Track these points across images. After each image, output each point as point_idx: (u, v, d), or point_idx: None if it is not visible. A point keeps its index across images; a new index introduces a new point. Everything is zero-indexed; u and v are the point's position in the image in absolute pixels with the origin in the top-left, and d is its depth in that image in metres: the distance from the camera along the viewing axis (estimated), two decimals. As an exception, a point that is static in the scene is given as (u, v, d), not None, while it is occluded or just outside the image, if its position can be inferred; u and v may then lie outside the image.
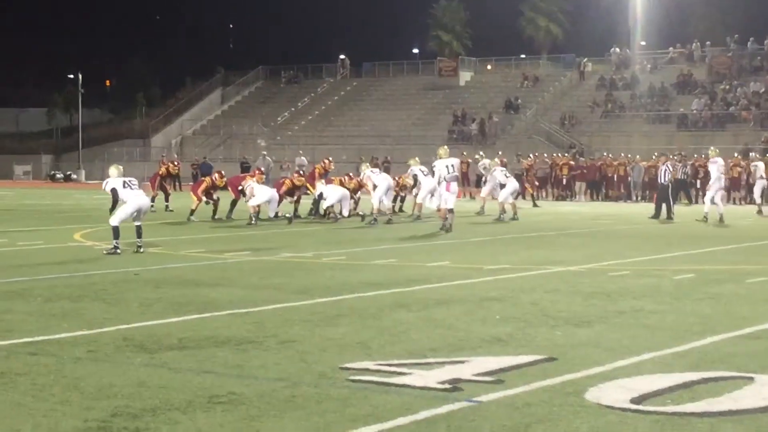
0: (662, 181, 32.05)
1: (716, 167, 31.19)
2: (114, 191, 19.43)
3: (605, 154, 52.97)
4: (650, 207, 34.91)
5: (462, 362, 8.98)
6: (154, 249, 20.22)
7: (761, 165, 38.30)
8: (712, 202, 30.66)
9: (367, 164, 32.24)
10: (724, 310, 12.33)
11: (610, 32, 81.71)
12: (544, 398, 7.72)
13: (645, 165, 47.53)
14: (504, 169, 33.12)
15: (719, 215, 29.97)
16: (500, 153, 50.50)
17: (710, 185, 31.24)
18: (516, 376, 8.48)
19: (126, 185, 19.58)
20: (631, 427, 6.94)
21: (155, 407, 7.43)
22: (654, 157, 48.35)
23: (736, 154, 49.40)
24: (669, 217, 31.21)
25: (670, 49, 74.57)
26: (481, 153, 51.98)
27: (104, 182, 20.05)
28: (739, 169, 45.36)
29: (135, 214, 19.58)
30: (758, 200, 37.03)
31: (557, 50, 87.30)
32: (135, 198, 19.60)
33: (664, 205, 31.72)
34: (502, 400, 7.67)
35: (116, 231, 19.37)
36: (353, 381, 8.29)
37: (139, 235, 19.64)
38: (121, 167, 20.58)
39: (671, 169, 32.57)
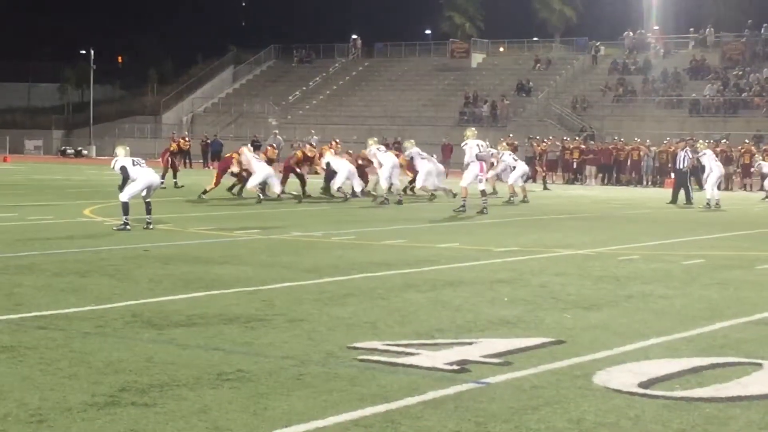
0: (681, 166, 32.18)
1: (707, 158, 31.48)
2: (124, 169, 19.46)
3: (615, 138, 52.91)
4: (661, 192, 34.90)
5: (470, 343, 8.97)
6: (163, 226, 20.24)
7: None
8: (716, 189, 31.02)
9: (374, 139, 32.02)
10: (733, 296, 12.30)
11: (623, 16, 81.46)
12: (551, 381, 7.71)
13: (656, 150, 47.48)
14: (512, 153, 33.00)
15: (716, 201, 30.12)
16: (511, 136, 50.40)
17: (708, 175, 31.27)
18: (524, 358, 8.48)
19: (135, 163, 19.65)
20: (639, 411, 6.93)
21: (163, 383, 7.43)
22: (665, 142, 48.32)
23: (746, 141, 49.31)
24: (689, 202, 31.30)
25: (691, 30, 74.22)
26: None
27: (113, 161, 20.07)
28: (749, 155, 45.30)
29: (145, 191, 19.60)
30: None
31: (570, 33, 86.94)
32: (145, 175, 19.63)
33: (682, 190, 31.78)
34: (510, 381, 7.66)
35: (126, 207, 19.39)
36: (361, 360, 8.29)
37: (149, 212, 19.66)
38: (127, 147, 20.58)
39: (690, 155, 32.59)
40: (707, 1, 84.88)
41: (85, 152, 75.21)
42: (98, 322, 9.78)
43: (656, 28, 76.15)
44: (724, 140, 48.37)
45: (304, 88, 79.97)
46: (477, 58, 78.73)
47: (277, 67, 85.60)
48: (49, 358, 8.18)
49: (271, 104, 76.56)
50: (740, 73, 65.24)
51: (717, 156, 34.10)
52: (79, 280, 12.54)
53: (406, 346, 8.82)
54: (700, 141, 36.04)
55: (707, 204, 30.16)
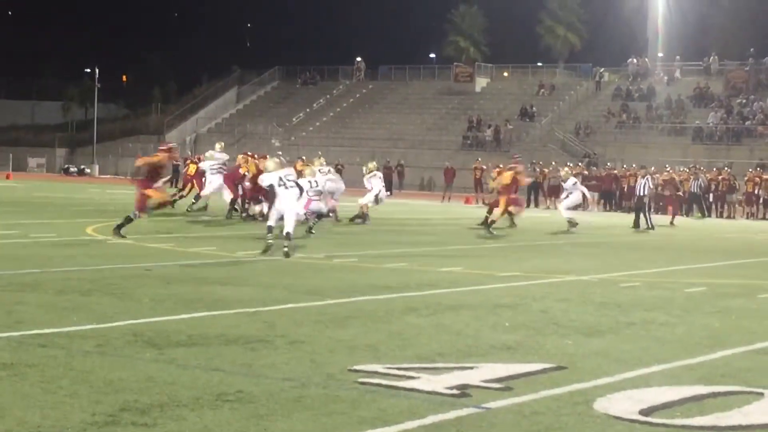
0: (640, 193, 33.69)
1: (569, 183, 32.61)
2: (271, 188, 19.06)
3: (610, 164, 52.89)
4: (661, 218, 35.08)
5: (471, 368, 8.97)
6: (165, 245, 20.24)
7: None
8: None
9: (374, 164, 31.94)
10: (734, 325, 12.29)
11: (628, 43, 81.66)
12: (552, 407, 7.70)
13: (658, 177, 47.53)
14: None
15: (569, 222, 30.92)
16: (518, 156, 50.26)
17: (566, 198, 32.50)
18: (524, 383, 8.46)
19: (281, 183, 18.97)
20: (639, 439, 6.92)
21: (163, 403, 7.42)
22: (666, 169, 48.33)
23: (750, 170, 49.34)
24: (649, 227, 32.46)
25: (708, 57, 74.36)
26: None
27: (264, 175, 19.63)
28: (752, 183, 45.37)
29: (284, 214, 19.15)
30: None
31: (574, 59, 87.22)
32: (284, 199, 19.03)
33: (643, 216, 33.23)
34: (510, 407, 7.65)
35: (269, 229, 19.19)
36: (362, 383, 8.28)
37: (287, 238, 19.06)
38: (278, 159, 20.10)
39: (651, 184, 34.21)
40: (712, 29, 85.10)
41: (88, 171, 75.31)
42: (99, 340, 9.78)
43: (660, 55, 76.29)
44: (727, 168, 48.39)
45: (308, 109, 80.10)
46: (481, 82, 78.88)
47: (281, 88, 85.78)
48: (49, 376, 8.17)
49: (274, 125, 76.66)
50: (744, 101, 65.30)
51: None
52: (80, 299, 12.54)
53: (406, 369, 8.81)
54: (566, 168, 36.75)
55: (570, 224, 30.70)
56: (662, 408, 7.74)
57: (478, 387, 8.23)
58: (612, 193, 49.38)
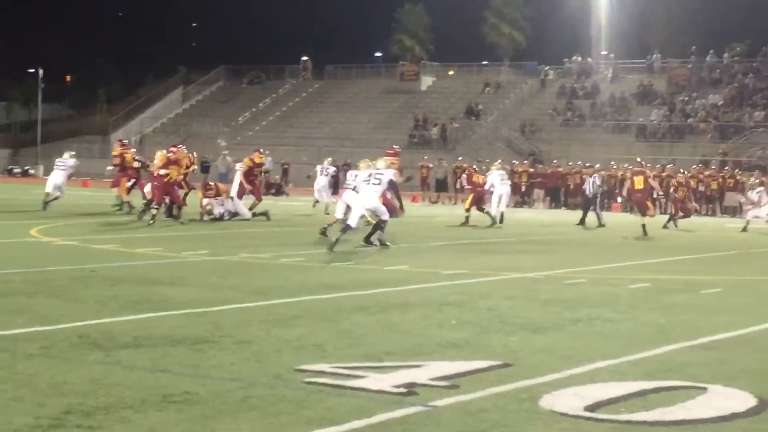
0: (588, 191, 34.27)
1: (492, 177, 33.44)
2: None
3: (557, 162, 53.17)
4: (609, 216, 35.35)
5: (418, 366, 8.98)
6: (111, 246, 20.11)
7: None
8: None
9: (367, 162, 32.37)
10: (678, 320, 12.40)
11: (572, 41, 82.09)
12: (498, 404, 7.73)
13: (605, 174, 47.81)
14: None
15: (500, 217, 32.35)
16: (460, 159, 50.71)
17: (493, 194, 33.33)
18: (471, 381, 8.49)
19: (368, 179, 21.72)
20: (585, 435, 6.97)
21: (108, 405, 7.37)
22: (612, 166, 48.66)
23: (694, 166, 49.83)
24: (600, 224, 32.80)
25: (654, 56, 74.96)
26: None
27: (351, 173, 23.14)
28: (697, 180, 45.79)
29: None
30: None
31: (519, 57, 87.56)
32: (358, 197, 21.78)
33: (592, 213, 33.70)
34: (457, 405, 7.68)
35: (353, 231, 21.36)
36: (308, 383, 8.27)
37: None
38: (369, 161, 22.79)
39: (598, 182, 34.52)
40: (654, 27, 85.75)
41: (32, 171, 74.58)
42: (44, 343, 9.69)
43: (604, 53, 76.80)
44: (670, 165, 48.79)
45: (254, 109, 79.87)
46: (427, 80, 79.00)
47: (226, 88, 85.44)
48: (-7, 380, 8.10)
49: (220, 125, 76.34)
50: (686, 98, 65.91)
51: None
52: (25, 301, 12.43)
53: (354, 368, 8.81)
54: (496, 163, 37.31)
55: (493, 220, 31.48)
56: (607, 404, 7.80)
57: (425, 385, 8.25)
58: (558, 191, 49.65)
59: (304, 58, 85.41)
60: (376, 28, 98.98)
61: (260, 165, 32.17)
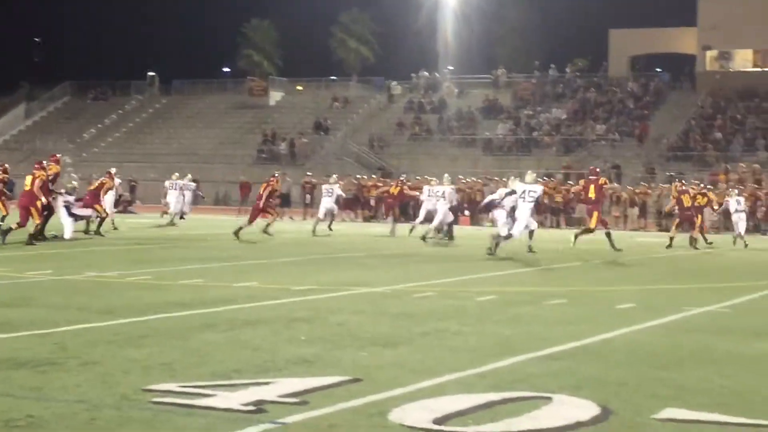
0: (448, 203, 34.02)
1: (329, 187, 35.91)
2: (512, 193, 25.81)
3: (405, 176, 53.57)
4: (456, 229, 35.67)
5: (267, 383, 8.95)
6: (-49, 267, 19.56)
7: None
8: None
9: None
10: (524, 332, 12.59)
11: (419, 56, 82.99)
12: (348, 419, 7.75)
13: (451, 188, 48.31)
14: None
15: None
16: (309, 174, 50.75)
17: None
18: (321, 397, 8.50)
19: (522, 196, 25.79)
20: (433, 448, 7.03)
21: (-52, 432, 7.18)
22: (462, 179, 49.27)
23: (544, 178, 50.78)
24: (450, 238, 32.91)
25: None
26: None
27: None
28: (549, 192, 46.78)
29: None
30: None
31: (367, 73, 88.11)
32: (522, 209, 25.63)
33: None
34: (307, 421, 7.67)
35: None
36: (156, 403, 8.17)
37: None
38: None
39: (456, 195, 35.92)
40: (499, 43, 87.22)
41: None
42: None
43: (451, 68, 77.84)
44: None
45: (100, 125, 78.73)
46: (275, 96, 78.97)
47: (71, 104, 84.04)
48: None
49: (65, 142, 74.98)
50: (531, 112, 67.19)
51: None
52: None
53: (202, 387, 8.73)
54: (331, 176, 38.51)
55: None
56: (455, 416, 7.88)
57: (274, 402, 8.23)
58: (407, 205, 49.93)
59: (151, 73, 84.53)
60: (223, 43, 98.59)
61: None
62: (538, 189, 26.18)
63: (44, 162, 28.55)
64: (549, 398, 8.56)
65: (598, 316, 14.29)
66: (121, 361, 9.98)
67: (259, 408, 8.01)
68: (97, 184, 31.63)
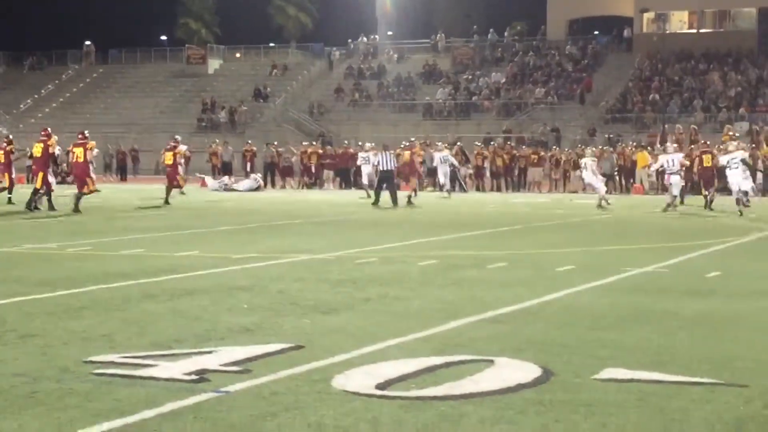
0: (383, 168, 33.88)
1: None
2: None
3: (347, 142, 53.54)
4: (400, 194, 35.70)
5: (209, 352, 8.92)
6: None
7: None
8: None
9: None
10: (466, 296, 12.64)
11: (358, 22, 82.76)
12: (290, 386, 7.75)
13: (392, 153, 48.33)
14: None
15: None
16: (249, 142, 50.56)
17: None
18: (263, 365, 8.48)
19: (728, 164, 29.74)
20: (376, 413, 7.04)
21: None
22: (402, 145, 49.26)
23: (477, 143, 50.94)
24: (394, 203, 32.65)
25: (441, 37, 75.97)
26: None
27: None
28: (482, 157, 46.92)
29: None
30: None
31: (306, 39, 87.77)
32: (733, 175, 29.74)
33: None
34: (249, 389, 7.66)
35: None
36: (97, 375, 8.11)
37: None
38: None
39: (394, 160, 34.87)
40: (438, 8, 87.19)
41: None
42: None
43: (390, 33, 77.72)
44: (459, 143, 49.68)
45: (36, 96, 77.82)
46: (214, 64, 78.47)
47: (7, 74, 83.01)
48: None
49: (1, 113, 74.07)
50: (470, 77, 67.28)
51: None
52: None
53: (143, 357, 8.69)
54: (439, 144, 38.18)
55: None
56: (398, 381, 7.90)
57: (216, 371, 8.21)
58: (348, 171, 49.95)
59: (87, 42, 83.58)
60: (160, 11, 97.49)
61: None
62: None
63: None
64: (491, 361, 8.61)
65: (539, 279, 14.38)
66: (60, 333, 9.91)
67: (202, 377, 7.99)
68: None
